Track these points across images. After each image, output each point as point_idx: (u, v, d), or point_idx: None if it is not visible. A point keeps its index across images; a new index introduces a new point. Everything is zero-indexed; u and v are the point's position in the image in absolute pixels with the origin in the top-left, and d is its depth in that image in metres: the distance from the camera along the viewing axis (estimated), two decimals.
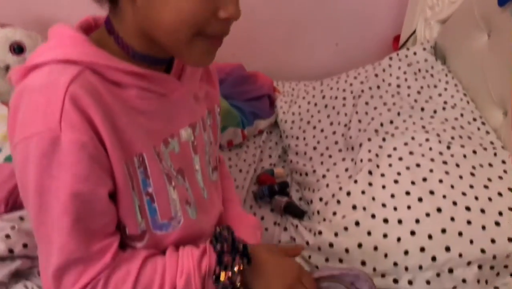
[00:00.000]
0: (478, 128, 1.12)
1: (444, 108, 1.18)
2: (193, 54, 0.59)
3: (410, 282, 0.88)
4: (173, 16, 0.54)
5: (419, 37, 1.55)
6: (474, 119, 1.15)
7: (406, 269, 0.88)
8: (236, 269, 0.63)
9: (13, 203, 0.94)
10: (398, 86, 1.26)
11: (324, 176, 1.10)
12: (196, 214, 0.71)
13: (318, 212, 1.02)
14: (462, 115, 1.16)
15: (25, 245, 0.85)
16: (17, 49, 1.35)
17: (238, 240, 0.66)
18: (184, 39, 0.56)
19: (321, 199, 1.04)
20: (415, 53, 1.35)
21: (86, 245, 0.57)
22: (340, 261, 0.91)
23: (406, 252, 0.87)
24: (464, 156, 1.00)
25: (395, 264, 0.88)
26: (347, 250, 0.91)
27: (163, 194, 0.64)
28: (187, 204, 0.69)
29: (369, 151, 1.06)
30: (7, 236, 0.85)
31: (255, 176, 1.24)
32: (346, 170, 1.09)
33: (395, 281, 0.89)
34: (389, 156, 1.02)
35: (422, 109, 1.18)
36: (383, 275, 0.89)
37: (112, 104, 0.57)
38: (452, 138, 1.06)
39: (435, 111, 1.17)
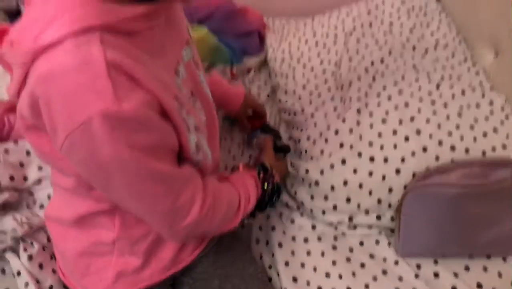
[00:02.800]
0: (468, 69, 1.12)
1: (435, 48, 1.16)
2: None
3: (392, 219, 0.91)
4: None
5: None
6: (465, 60, 1.14)
7: (390, 206, 0.90)
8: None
9: None
10: (391, 24, 1.23)
11: (312, 115, 1.10)
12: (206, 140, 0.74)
13: (305, 151, 1.03)
14: (453, 55, 1.15)
15: (11, 178, 0.85)
16: None
17: (276, 183, 0.87)
18: None
19: (308, 138, 1.04)
20: None
21: (177, 168, 0.63)
22: (325, 198, 0.93)
23: (390, 190, 0.89)
24: (453, 96, 1.00)
25: (379, 201, 0.90)
26: (332, 187, 0.92)
27: (200, 124, 0.68)
28: (196, 131, 0.69)
29: (359, 90, 1.06)
30: None
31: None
32: (335, 108, 1.08)
33: (378, 217, 0.92)
34: (378, 94, 1.02)
35: (414, 48, 1.16)
36: (366, 212, 0.92)
37: (135, 54, 0.54)
38: (442, 78, 1.05)
39: (426, 51, 1.15)
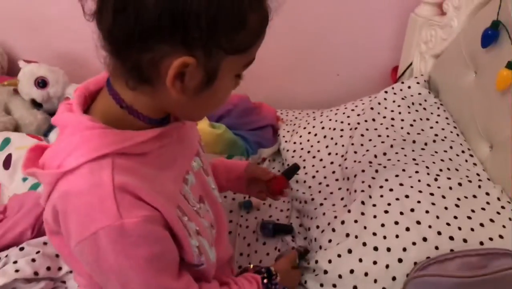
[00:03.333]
0: (466, 160, 1.20)
1: (434, 141, 1.25)
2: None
3: None
4: (209, 110, 0.69)
5: (415, 70, 1.64)
6: (463, 152, 1.22)
7: None
8: None
9: (38, 229, 1.04)
10: (392, 119, 1.35)
11: (321, 204, 1.18)
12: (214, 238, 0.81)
13: (315, 240, 1.10)
14: (451, 147, 1.23)
15: (48, 268, 0.95)
16: (41, 83, 1.47)
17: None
18: None
19: (318, 227, 1.12)
20: (409, 87, 1.44)
21: (175, 281, 0.68)
22: (334, 286, 0.99)
23: (394, 278, 0.95)
24: (450, 188, 1.07)
25: None
26: (340, 276, 0.98)
27: (203, 229, 0.75)
28: (198, 235, 0.76)
29: (363, 182, 1.14)
30: (33, 260, 0.95)
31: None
32: (342, 199, 1.17)
33: None
34: (381, 186, 1.10)
35: (414, 141, 1.25)
36: None
37: (143, 173, 0.63)
38: (440, 170, 1.13)
39: (426, 144, 1.24)
